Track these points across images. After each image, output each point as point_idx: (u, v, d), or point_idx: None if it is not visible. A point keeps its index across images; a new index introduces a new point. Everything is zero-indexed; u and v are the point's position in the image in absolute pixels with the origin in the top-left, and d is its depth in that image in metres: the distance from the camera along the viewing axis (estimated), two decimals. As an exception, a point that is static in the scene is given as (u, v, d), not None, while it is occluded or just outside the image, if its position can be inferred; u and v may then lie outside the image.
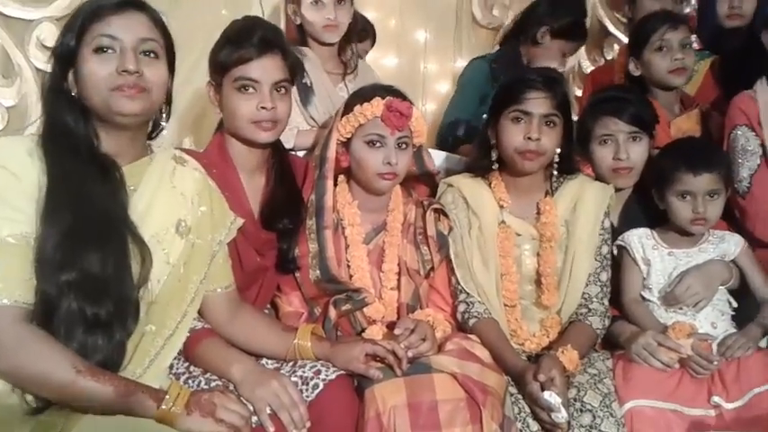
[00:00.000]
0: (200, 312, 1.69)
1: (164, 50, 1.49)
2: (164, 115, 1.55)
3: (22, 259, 1.34)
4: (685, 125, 2.55)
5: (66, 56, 1.44)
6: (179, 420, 1.35)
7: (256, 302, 1.93)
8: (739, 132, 2.31)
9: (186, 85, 2.45)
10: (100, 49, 1.43)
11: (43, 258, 1.34)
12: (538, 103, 1.95)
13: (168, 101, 1.54)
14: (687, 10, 3.17)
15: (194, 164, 1.68)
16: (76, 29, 1.44)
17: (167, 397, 1.36)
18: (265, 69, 1.84)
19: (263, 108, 1.83)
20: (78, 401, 1.33)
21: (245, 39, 1.83)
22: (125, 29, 1.44)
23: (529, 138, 1.95)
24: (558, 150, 2.01)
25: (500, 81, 2.24)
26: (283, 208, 1.92)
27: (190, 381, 1.65)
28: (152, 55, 1.46)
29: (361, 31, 2.81)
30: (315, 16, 2.41)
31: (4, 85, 2.52)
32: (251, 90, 1.83)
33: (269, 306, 2.01)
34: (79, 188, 1.40)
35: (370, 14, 3.08)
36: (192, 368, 1.68)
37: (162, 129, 1.58)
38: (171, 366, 1.65)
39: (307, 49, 2.44)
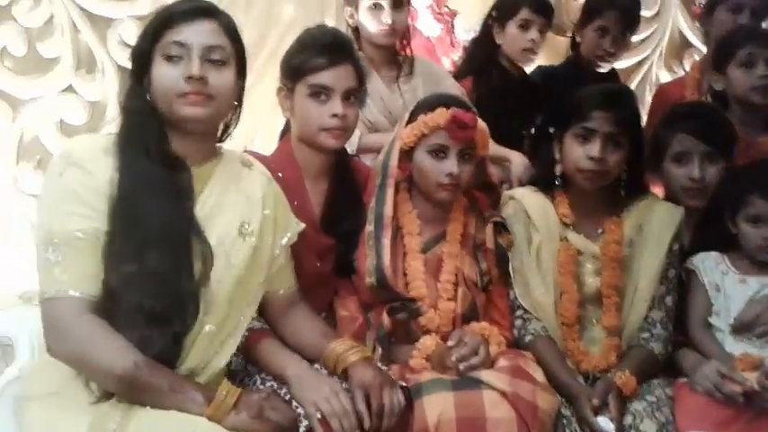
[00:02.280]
0: (259, 309, 1.73)
1: (233, 57, 1.53)
2: (233, 119, 1.59)
3: (89, 253, 1.41)
4: (766, 147, 2.45)
5: (141, 60, 1.51)
6: (227, 419, 1.38)
7: (314, 306, 1.93)
8: None
9: (254, 89, 2.49)
10: (169, 57, 1.48)
11: (110, 252, 1.41)
12: (603, 122, 1.90)
13: (239, 104, 1.59)
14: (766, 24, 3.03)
15: (261, 168, 1.71)
16: (150, 34, 1.50)
17: (217, 395, 1.40)
18: (338, 78, 1.87)
19: (334, 116, 1.86)
20: (134, 394, 1.38)
21: (320, 47, 1.88)
22: (194, 37, 1.48)
23: (591, 157, 1.90)
24: (626, 169, 1.95)
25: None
26: (344, 212, 1.95)
27: (246, 378, 1.70)
28: (219, 62, 1.50)
29: None
30: (372, 20, 2.42)
31: (88, 80, 2.61)
32: (323, 97, 1.86)
33: (327, 309, 2.02)
34: (148, 188, 1.45)
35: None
36: (249, 366, 1.72)
37: (230, 132, 1.62)
38: (230, 363, 1.68)
39: (360, 54, 2.43)
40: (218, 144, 1.63)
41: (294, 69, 1.88)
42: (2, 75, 2.53)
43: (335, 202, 1.96)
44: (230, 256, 1.55)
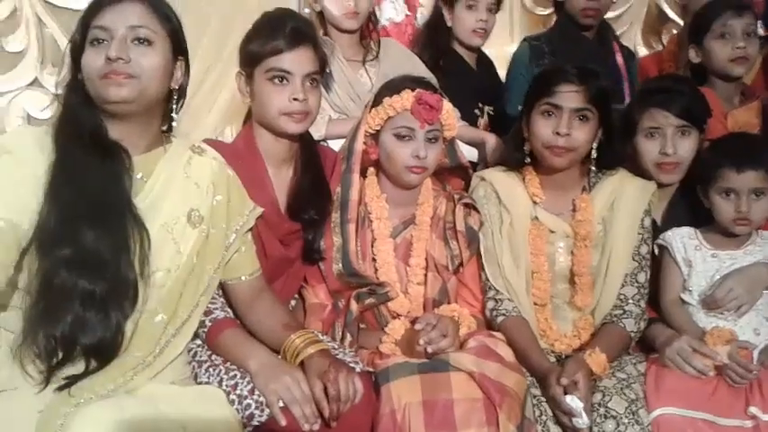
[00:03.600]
0: (226, 298, 1.73)
1: (161, 37, 1.51)
2: (176, 104, 1.57)
3: (3, 243, 1.37)
4: (743, 118, 2.42)
5: (74, 51, 1.50)
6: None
7: (282, 293, 1.94)
8: None
9: (225, 77, 2.46)
10: (95, 41, 1.47)
11: (43, 235, 1.39)
12: (569, 97, 1.88)
13: (181, 92, 1.57)
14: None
15: (213, 153, 1.69)
16: (81, 25, 1.50)
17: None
18: (298, 61, 1.84)
19: (294, 100, 1.83)
20: None
21: (278, 30, 1.84)
22: (117, 19, 1.47)
23: (557, 133, 1.88)
24: (595, 145, 1.93)
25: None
26: (309, 198, 1.92)
27: (211, 369, 1.67)
28: (145, 42, 1.48)
29: None
30: (335, 4, 2.40)
31: (53, 74, 2.57)
32: (283, 81, 1.83)
33: (296, 297, 2.01)
34: (80, 171, 1.44)
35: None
36: (213, 357, 1.70)
37: (172, 120, 1.59)
38: (195, 354, 1.70)
39: (326, 38, 2.43)
40: (167, 133, 1.61)
41: (253, 54, 1.85)
42: (-34, 70, 2.50)
43: (301, 188, 1.93)
44: (179, 244, 1.54)
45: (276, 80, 1.84)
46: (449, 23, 2.67)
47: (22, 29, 2.54)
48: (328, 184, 1.98)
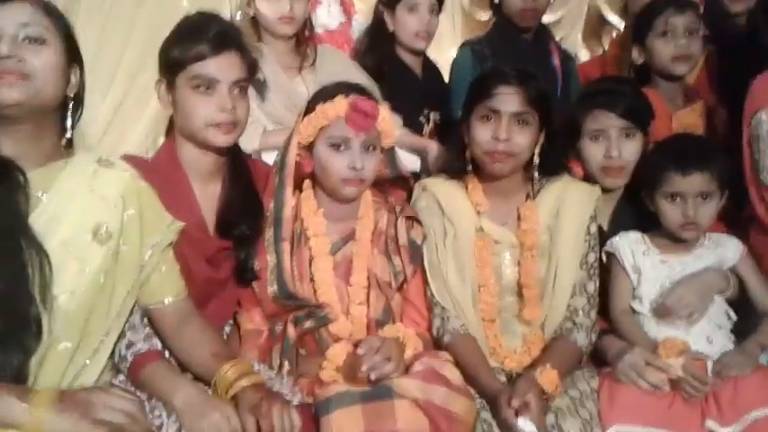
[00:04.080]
0: (151, 326, 1.60)
1: (55, 37, 1.43)
2: (72, 112, 1.47)
3: None
4: (687, 119, 2.42)
5: None
6: (48, 423, 1.22)
7: (214, 319, 1.80)
8: (763, 116, 2.09)
9: (153, 87, 2.33)
10: None
11: None
12: (507, 99, 1.80)
13: (77, 100, 1.48)
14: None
15: (123, 166, 1.56)
16: None
17: (35, 396, 1.24)
18: (223, 67, 1.73)
19: (223, 109, 1.71)
20: None
21: (200, 34, 1.73)
22: (5, 19, 1.39)
23: (497, 138, 1.80)
24: (537, 150, 1.86)
25: None
26: (240, 213, 1.80)
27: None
28: (36, 41, 1.40)
29: None
30: (270, 9, 2.32)
31: None
32: (209, 90, 1.72)
33: (231, 322, 1.88)
34: None
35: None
36: (139, 393, 1.55)
37: (66, 131, 1.48)
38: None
39: (260, 44, 2.34)
40: (68, 148, 1.49)
41: (174, 59, 1.73)
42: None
43: (230, 202, 1.81)
44: (84, 262, 1.41)
45: (201, 88, 1.72)
46: (391, 28, 2.61)
47: None
48: (260, 198, 1.86)
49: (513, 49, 2.62)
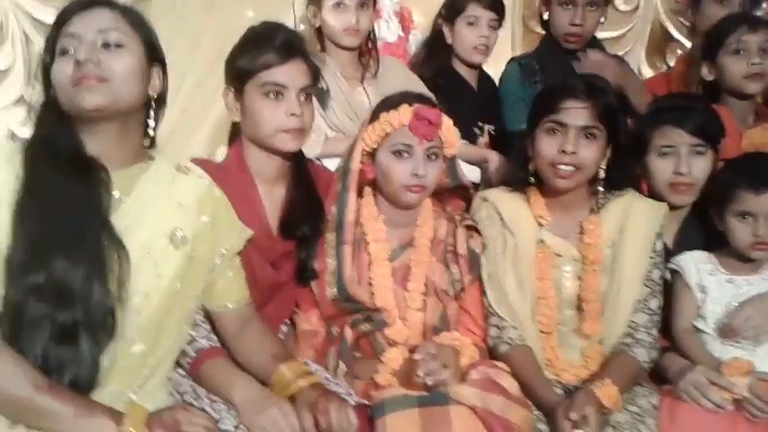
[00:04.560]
0: (211, 327, 1.65)
1: (133, 41, 1.45)
2: (155, 115, 1.51)
3: None
4: (758, 138, 2.37)
5: (45, 68, 1.44)
6: None
7: (273, 320, 1.86)
8: None
9: (217, 94, 2.41)
10: (64, 51, 1.41)
11: (12, 262, 1.31)
12: (575, 114, 1.80)
13: (160, 101, 1.51)
14: (760, 13, 2.96)
15: (199, 172, 1.61)
16: (49, 39, 1.44)
17: (127, 419, 1.29)
18: (291, 74, 1.78)
19: (292, 115, 1.76)
20: (37, 420, 1.28)
21: (268, 43, 1.79)
22: (85, 25, 1.42)
23: (563, 151, 1.79)
24: (603, 165, 1.85)
25: None
26: (302, 215, 1.85)
27: (194, 401, 1.57)
28: (115, 46, 1.42)
29: None
30: (336, 20, 2.37)
31: (39, 91, 2.54)
32: (278, 96, 1.77)
33: (287, 322, 1.93)
34: (52, 190, 1.36)
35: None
36: (197, 388, 1.60)
37: (148, 127, 1.52)
38: (178, 384, 1.60)
39: (323, 54, 2.39)
40: (149, 149, 1.54)
41: (243, 68, 1.79)
42: (-48, 87, 2.48)
43: (294, 205, 1.86)
44: (159, 266, 1.45)
45: (270, 95, 1.77)
46: (449, 41, 2.63)
47: (8, 45, 2.54)
48: (321, 201, 1.90)
49: (561, 65, 2.62)
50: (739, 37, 2.33)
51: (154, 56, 1.50)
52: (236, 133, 1.91)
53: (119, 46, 1.42)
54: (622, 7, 3.27)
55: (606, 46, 2.98)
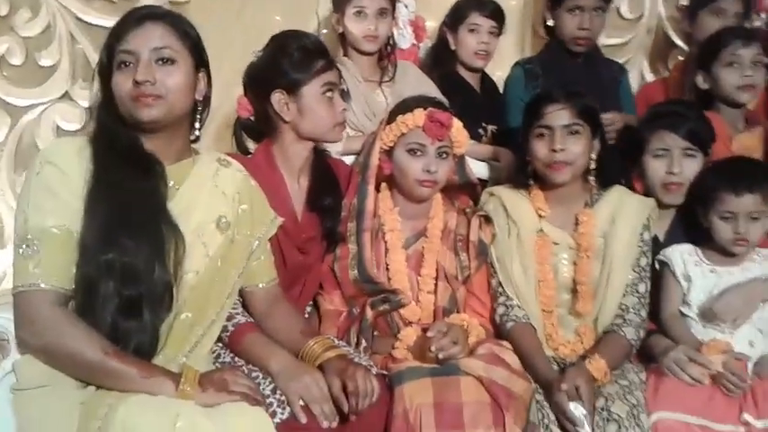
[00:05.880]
0: (243, 305, 1.82)
1: (184, 54, 1.60)
2: (201, 114, 1.66)
3: (62, 248, 1.48)
4: (747, 142, 2.51)
5: (102, 71, 1.60)
6: (197, 397, 1.46)
7: (299, 300, 2.04)
8: None
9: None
10: (122, 64, 1.56)
11: (86, 243, 1.48)
12: (557, 115, 2.00)
13: (205, 102, 1.67)
14: (757, 23, 3.06)
15: (237, 166, 1.79)
16: (106, 49, 1.60)
17: (182, 378, 1.47)
18: (338, 76, 2.03)
19: (344, 110, 2.03)
20: (106, 381, 1.45)
21: (316, 53, 2.00)
22: (140, 42, 1.56)
23: (554, 150, 1.99)
24: (594, 156, 2.04)
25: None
26: (326, 188, 2.06)
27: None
28: (168, 62, 1.57)
29: None
30: (357, 27, 2.51)
31: (84, 88, 2.65)
32: (335, 95, 2.01)
33: (311, 303, 2.11)
34: (118, 181, 1.53)
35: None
36: (236, 359, 1.79)
37: (200, 128, 1.68)
38: (219, 356, 1.79)
39: (344, 59, 2.55)
40: (194, 146, 1.71)
41: (300, 72, 1.97)
42: (1, 84, 2.59)
43: (317, 181, 2.06)
44: (208, 247, 1.63)
45: (329, 93, 1.99)
46: (452, 47, 2.78)
47: (54, 44, 2.62)
48: (339, 181, 2.10)
49: (563, 69, 2.74)
50: (733, 51, 2.44)
51: (200, 62, 1.64)
52: (240, 135, 2.12)
53: (171, 62, 1.57)
54: (626, 15, 3.29)
55: (610, 53, 3.11)
